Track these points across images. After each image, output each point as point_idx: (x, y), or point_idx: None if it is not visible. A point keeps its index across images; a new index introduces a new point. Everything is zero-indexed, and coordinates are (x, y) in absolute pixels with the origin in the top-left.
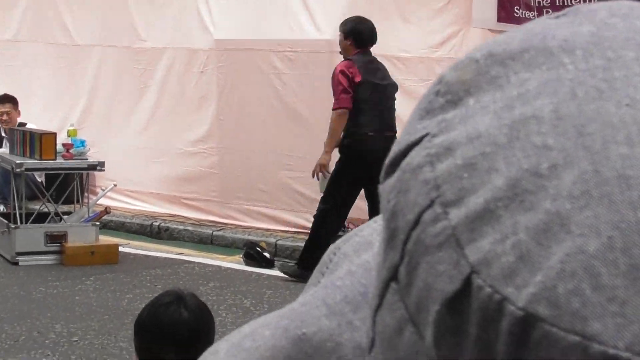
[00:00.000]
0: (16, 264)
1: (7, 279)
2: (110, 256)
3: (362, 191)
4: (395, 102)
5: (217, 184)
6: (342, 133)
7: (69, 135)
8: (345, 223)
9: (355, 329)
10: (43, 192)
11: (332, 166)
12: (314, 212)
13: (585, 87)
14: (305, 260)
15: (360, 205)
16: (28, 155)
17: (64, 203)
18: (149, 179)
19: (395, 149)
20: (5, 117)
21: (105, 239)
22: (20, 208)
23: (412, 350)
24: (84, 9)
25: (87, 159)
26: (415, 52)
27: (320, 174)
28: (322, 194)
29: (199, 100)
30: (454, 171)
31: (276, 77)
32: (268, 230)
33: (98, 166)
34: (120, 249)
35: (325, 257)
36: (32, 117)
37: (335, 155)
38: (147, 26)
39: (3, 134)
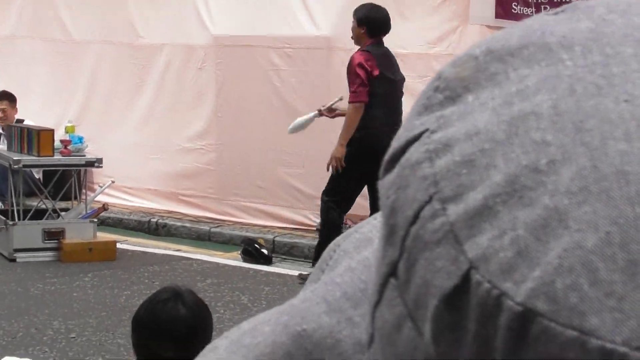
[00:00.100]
0: (14, 260)
1: (4, 275)
2: (108, 253)
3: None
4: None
5: (215, 180)
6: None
7: (66, 132)
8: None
9: (355, 326)
10: (41, 189)
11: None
12: (312, 209)
13: (583, 83)
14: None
15: (358, 201)
16: (26, 151)
17: (61, 200)
18: (146, 175)
19: (394, 145)
20: (1, 114)
21: (103, 236)
22: (17, 204)
23: (411, 346)
24: (82, 6)
25: (84, 156)
26: (412, 49)
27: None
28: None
29: (197, 97)
30: (452, 167)
31: (274, 73)
32: (266, 227)
33: (96, 163)
34: (118, 245)
35: (325, 254)
36: (30, 114)
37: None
38: (145, 23)
39: (0, 131)
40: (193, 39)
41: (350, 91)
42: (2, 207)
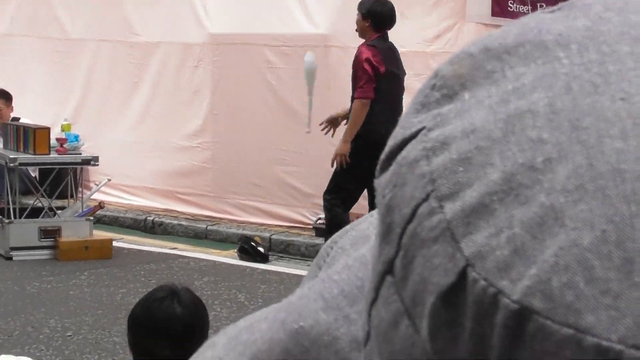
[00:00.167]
0: (10, 259)
1: (1, 274)
2: (104, 251)
3: None
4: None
5: (212, 178)
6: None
7: (62, 130)
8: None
9: (352, 323)
10: (37, 187)
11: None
12: (309, 207)
13: (580, 81)
14: None
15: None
16: (22, 150)
17: (57, 198)
18: (143, 173)
19: (391, 143)
20: None
21: (99, 234)
22: (14, 203)
23: (408, 344)
24: (78, 4)
25: (81, 154)
26: (410, 47)
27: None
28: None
29: (193, 95)
30: (449, 165)
31: (271, 71)
32: (262, 224)
33: (92, 161)
34: (114, 243)
35: (322, 250)
36: (26, 112)
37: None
38: (141, 20)
39: None
40: (189, 37)
41: (356, 87)
42: None
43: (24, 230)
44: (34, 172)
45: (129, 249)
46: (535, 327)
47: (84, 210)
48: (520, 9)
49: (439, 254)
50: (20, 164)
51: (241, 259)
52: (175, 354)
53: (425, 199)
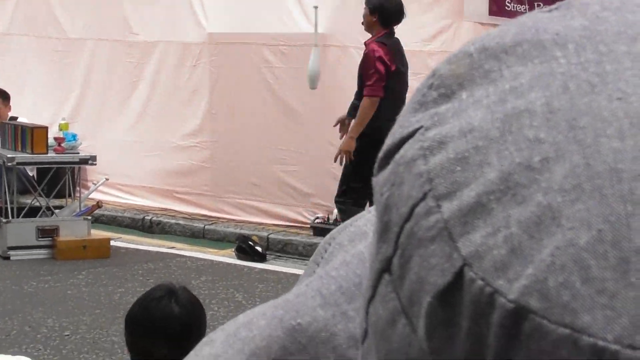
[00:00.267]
0: (8, 258)
1: None
2: (102, 250)
3: None
4: None
5: (209, 177)
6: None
7: (60, 129)
8: (338, 218)
9: (349, 320)
10: (35, 186)
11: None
12: (306, 206)
13: (577, 81)
14: None
15: None
16: (19, 149)
17: (55, 197)
18: (140, 172)
19: (388, 141)
20: None
21: (97, 233)
22: (11, 202)
23: (405, 342)
24: (76, 3)
25: (78, 153)
26: (407, 46)
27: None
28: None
29: (191, 94)
30: (446, 165)
31: (269, 71)
32: (260, 224)
33: (90, 160)
34: (112, 243)
35: (320, 247)
36: (24, 111)
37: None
38: (139, 19)
39: None
40: (187, 36)
41: (365, 84)
42: None
43: (22, 230)
44: (31, 172)
45: (126, 249)
46: (532, 326)
47: (82, 209)
48: (518, 8)
49: (436, 254)
50: (18, 163)
51: (239, 258)
52: (173, 353)
53: (423, 198)
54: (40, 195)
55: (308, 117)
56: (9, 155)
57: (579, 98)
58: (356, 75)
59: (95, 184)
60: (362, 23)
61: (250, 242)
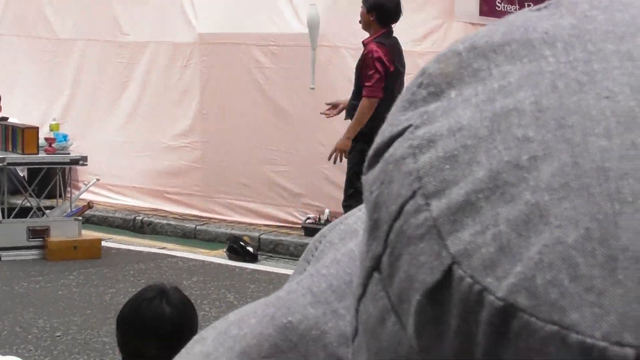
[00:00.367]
0: None
1: None
2: (93, 251)
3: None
4: None
5: (200, 178)
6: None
7: (51, 130)
8: (329, 218)
9: (340, 318)
10: (25, 187)
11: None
12: (298, 207)
13: (565, 79)
14: None
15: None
16: (10, 149)
17: (46, 198)
18: (131, 173)
19: (378, 140)
20: None
21: (88, 234)
22: (2, 203)
23: (394, 340)
24: (66, 3)
25: (69, 154)
26: None
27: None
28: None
29: (182, 95)
30: (435, 163)
31: (260, 71)
32: (251, 224)
33: (80, 160)
34: (103, 243)
35: (310, 245)
36: (14, 112)
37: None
38: (129, 20)
39: None
40: (178, 37)
41: (364, 84)
42: None
43: (13, 230)
44: (22, 172)
45: (117, 249)
46: (520, 324)
47: (73, 210)
48: (508, 8)
49: (425, 252)
50: (9, 164)
51: (230, 258)
52: (164, 353)
53: (412, 196)
54: (31, 196)
55: (298, 118)
56: None
57: (568, 97)
58: (347, 75)
59: (86, 185)
60: (360, 22)
61: (241, 243)
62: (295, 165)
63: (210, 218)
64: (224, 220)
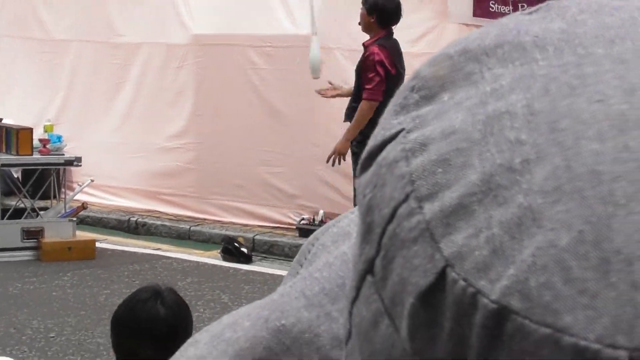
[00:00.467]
0: None
1: None
2: (87, 252)
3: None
4: None
5: (195, 179)
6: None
7: (45, 131)
8: (324, 219)
9: (333, 321)
10: (19, 188)
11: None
12: (292, 208)
13: (557, 83)
14: None
15: (340, 200)
16: (4, 150)
17: (40, 199)
18: (126, 174)
19: (371, 143)
20: None
21: (83, 235)
22: None
23: (388, 343)
24: (61, 4)
25: (63, 155)
26: None
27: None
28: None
29: (176, 96)
30: (428, 166)
31: (254, 72)
32: (246, 225)
33: (75, 161)
34: (98, 244)
35: (303, 247)
36: (9, 113)
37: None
38: (124, 21)
39: None
40: (172, 38)
41: (365, 88)
42: None
43: (7, 231)
44: (16, 173)
45: (112, 250)
46: (514, 327)
47: (67, 211)
48: (502, 9)
49: (419, 255)
50: (3, 165)
51: (224, 259)
52: (159, 354)
53: (405, 199)
54: (25, 197)
55: (293, 119)
56: None
57: (560, 100)
58: (341, 76)
59: (80, 186)
60: (359, 24)
61: (236, 244)
62: (290, 167)
63: (204, 219)
64: (219, 221)
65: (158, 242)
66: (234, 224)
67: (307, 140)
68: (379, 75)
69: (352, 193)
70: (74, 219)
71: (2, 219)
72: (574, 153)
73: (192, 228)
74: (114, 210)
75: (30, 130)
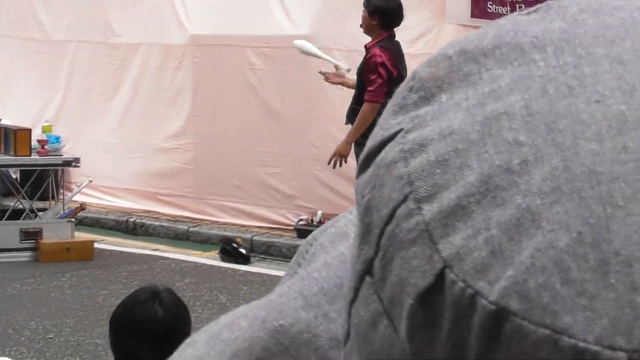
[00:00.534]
0: None
1: None
2: (85, 252)
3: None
4: None
5: (193, 179)
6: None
7: (43, 132)
8: (322, 220)
9: (331, 321)
10: (18, 189)
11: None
12: (290, 208)
13: (556, 83)
14: None
15: (338, 201)
16: (2, 151)
17: (39, 199)
18: (124, 175)
19: (369, 144)
20: None
21: (81, 236)
22: None
23: (387, 344)
24: (59, 4)
25: (62, 155)
26: None
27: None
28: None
29: (174, 96)
30: (426, 167)
31: (252, 73)
32: (244, 226)
33: (73, 162)
34: (96, 245)
35: (301, 248)
36: (7, 113)
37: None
38: (122, 21)
39: None
40: (170, 38)
41: (367, 90)
42: None
43: (5, 232)
44: (14, 174)
45: (110, 251)
46: (512, 328)
47: (66, 211)
48: (500, 10)
49: (417, 256)
50: (1, 166)
51: (223, 260)
52: (157, 355)
53: (404, 200)
54: (24, 198)
55: (291, 119)
56: None
57: (558, 101)
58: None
59: (78, 186)
60: (361, 26)
61: (234, 244)
62: (288, 167)
63: (202, 220)
64: (217, 221)
65: (156, 242)
66: (232, 224)
67: (305, 140)
68: (381, 77)
69: (351, 194)
70: (73, 219)
71: (1, 219)
72: (573, 154)
73: (190, 229)
74: (112, 211)
75: (28, 131)
